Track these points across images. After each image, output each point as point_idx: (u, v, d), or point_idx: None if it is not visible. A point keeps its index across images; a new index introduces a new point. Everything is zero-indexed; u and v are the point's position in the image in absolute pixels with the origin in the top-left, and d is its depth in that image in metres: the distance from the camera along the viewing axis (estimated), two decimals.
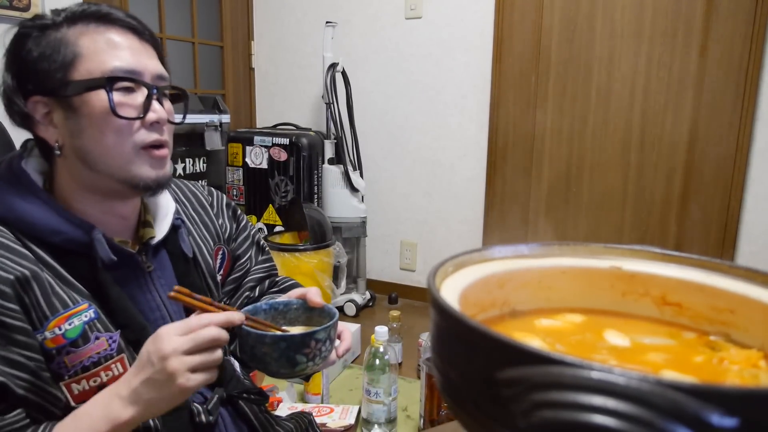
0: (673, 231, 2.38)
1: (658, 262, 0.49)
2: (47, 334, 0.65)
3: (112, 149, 0.69)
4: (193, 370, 0.61)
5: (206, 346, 0.62)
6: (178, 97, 0.79)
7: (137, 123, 0.70)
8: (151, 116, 0.71)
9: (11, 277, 0.63)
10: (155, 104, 0.71)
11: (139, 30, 0.72)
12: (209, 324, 0.63)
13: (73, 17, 0.69)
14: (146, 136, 0.71)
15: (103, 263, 0.69)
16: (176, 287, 0.66)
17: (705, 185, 2.29)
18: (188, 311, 0.82)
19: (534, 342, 0.42)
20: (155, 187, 0.74)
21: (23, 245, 0.66)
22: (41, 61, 0.68)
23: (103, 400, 0.63)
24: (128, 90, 0.69)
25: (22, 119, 0.71)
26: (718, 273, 0.46)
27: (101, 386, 0.67)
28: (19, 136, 1.08)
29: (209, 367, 0.63)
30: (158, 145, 0.73)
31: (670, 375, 0.38)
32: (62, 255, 0.69)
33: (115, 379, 0.69)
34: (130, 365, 0.70)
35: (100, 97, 0.67)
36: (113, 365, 0.69)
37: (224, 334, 0.64)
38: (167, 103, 0.75)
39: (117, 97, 0.68)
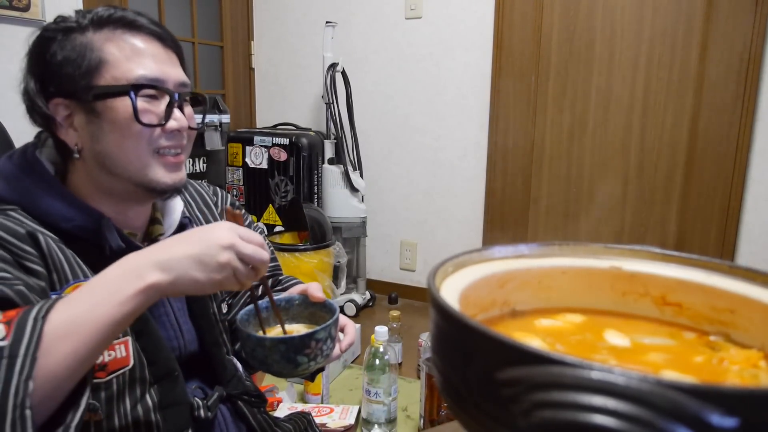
0: (673, 231, 2.38)
1: (658, 262, 0.49)
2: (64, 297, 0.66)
3: (131, 153, 0.71)
4: (235, 273, 0.61)
5: (254, 263, 0.62)
6: (197, 101, 0.80)
7: (158, 129, 0.72)
8: (172, 124, 0.72)
9: (30, 228, 0.65)
10: (176, 112, 0.73)
11: (163, 37, 0.74)
12: (263, 246, 0.64)
13: (100, 22, 0.70)
14: (165, 141, 0.73)
15: (111, 251, 0.71)
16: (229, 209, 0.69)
17: (705, 186, 2.29)
18: (190, 307, 0.82)
19: (534, 342, 0.42)
20: (171, 191, 0.76)
21: (38, 226, 0.69)
22: (66, 65, 0.69)
23: (129, 259, 0.60)
24: (151, 97, 0.71)
25: (43, 120, 0.72)
26: (718, 273, 0.46)
27: (102, 366, 0.67)
28: (19, 136, 1.08)
29: (245, 282, 0.63)
30: (175, 152, 0.74)
31: (670, 375, 0.38)
32: (73, 242, 0.70)
33: (117, 361, 0.69)
34: (134, 352, 0.71)
35: (124, 103, 0.69)
36: (117, 346, 0.69)
37: (268, 257, 0.64)
38: (188, 109, 0.77)
39: (140, 104, 0.69)
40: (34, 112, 0.72)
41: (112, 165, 0.71)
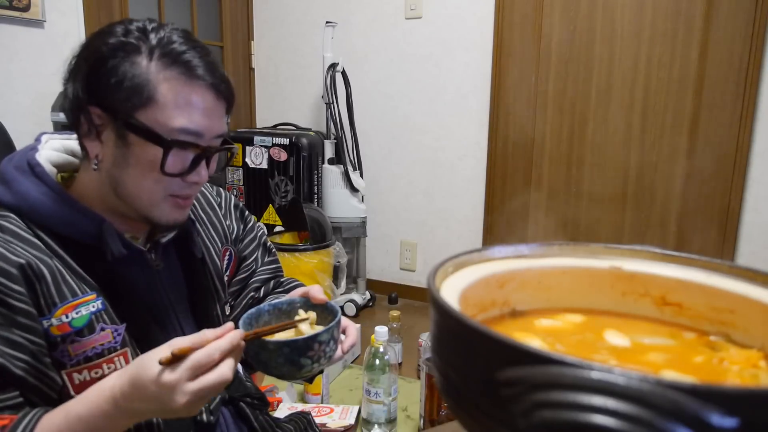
0: (673, 231, 2.38)
1: (658, 262, 0.49)
2: (54, 321, 0.66)
3: (144, 192, 0.71)
4: (206, 400, 0.61)
5: (220, 386, 0.60)
6: (227, 149, 0.79)
7: (178, 178, 0.71)
8: (193, 177, 0.72)
9: (20, 260, 0.64)
10: (202, 167, 0.73)
11: (219, 89, 0.72)
12: (220, 357, 0.60)
13: (166, 58, 0.68)
14: (180, 188, 0.72)
15: (112, 256, 0.70)
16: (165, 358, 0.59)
17: (705, 186, 2.29)
18: (193, 309, 0.82)
19: (534, 342, 0.42)
20: (170, 228, 0.77)
21: (34, 234, 0.68)
22: (117, 87, 0.67)
23: (101, 410, 0.61)
24: (183, 148, 0.70)
25: (74, 119, 0.71)
26: (718, 273, 0.46)
27: (102, 378, 0.67)
28: (19, 136, 1.08)
29: (230, 377, 0.61)
30: (186, 196, 0.74)
31: (670, 375, 0.38)
32: (73, 246, 0.70)
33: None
34: (133, 360, 0.70)
35: (155, 149, 0.68)
36: (116, 358, 0.69)
37: (231, 372, 0.61)
38: (214, 160, 0.76)
39: (170, 154, 0.69)
40: (68, 108, 0.71)
41: (123, 193, 0.71)
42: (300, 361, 0.67)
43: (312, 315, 0.75)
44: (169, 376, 0.57)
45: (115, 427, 0.61)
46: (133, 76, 0.66)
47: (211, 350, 0.59)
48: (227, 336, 0.61)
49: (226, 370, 0.60)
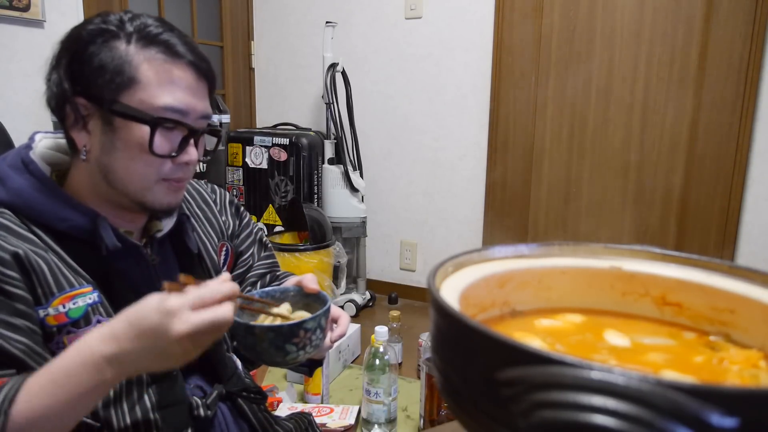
0: (673, 231, 2.38)
1: (658, 262, 0.49)
2: (51, 310, 0.66)
3: (135, 176, 0.71)
4: (201, 345, 0.58)
5: (219, 325, 0.58)
6: (213, 132, 0.80)
7: (168, 160, 0.72)
8: (183, 158, 0.72)
9: (15, 249, 0.64)
10: (191, 147, 0.73)
11: (200, 68, 0.73)
12: (221, 298, 0.58)
13: (145, 39, 0.69)
14: (172, 172, 0.73)
15: (107, 251, 0.71)
16: (170, 283, 0.58)
17: (705, 185, 2.29)
18: None
19: (534, 342, 0.42)
20: (165, 212, 0.76)
21: (29, 230, 0.68)
22: (99, 72, 0.68)
23: (84, 350, 0.58)
24: (169, 128, 0.71)
25: (59, 113, 0.71)
26: (718, 273, 0.46)
27: None
28: (19, 136, 1.08)
29: (214, 338, 0.59)
30: (178, 179, 0.74)
31: (670, 375, 0.38)
32: (68, 241, 0.70)
33: None
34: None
35: (142, 129, 0.69)
36: None
37: (231, 314, 0.59)
38: (202, 142, 0.77)
39: (158, 133, 0.69)
40: (53, 102, 0.71)
41: (114, 180, 0.71)
42: (285, 347, 0.68)
43: (297, 313, 0.75)
44: (174, 300, 0.55)
45: (103, 382, 0.57)
46: (113, 59, 0.68)
47: (213, 290, 0.58)
48: (227, 283, 0.60)
49: (227, 309, 0.58)
